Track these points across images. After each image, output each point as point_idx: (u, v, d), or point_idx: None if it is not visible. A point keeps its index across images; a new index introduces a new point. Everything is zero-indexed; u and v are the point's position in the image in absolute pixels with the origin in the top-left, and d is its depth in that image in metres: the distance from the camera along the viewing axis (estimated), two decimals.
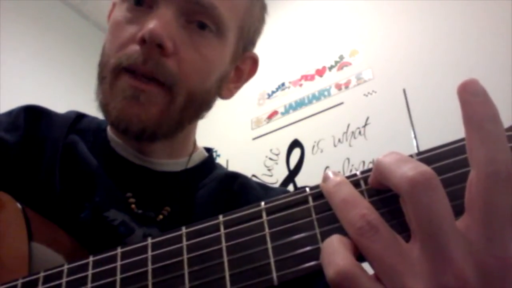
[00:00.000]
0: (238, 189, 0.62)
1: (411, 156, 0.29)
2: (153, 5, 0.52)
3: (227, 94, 0.63)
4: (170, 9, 0.51)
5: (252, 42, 0.65)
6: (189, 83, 0.53)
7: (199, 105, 0.57)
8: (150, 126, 0.52)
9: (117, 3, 0.57)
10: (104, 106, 0.53)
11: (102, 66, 0.54)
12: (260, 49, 0.67)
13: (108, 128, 0.62)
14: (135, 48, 0.51)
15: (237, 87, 0.66)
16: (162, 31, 0.49)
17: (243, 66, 0.65)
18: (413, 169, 0.25)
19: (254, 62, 0.67)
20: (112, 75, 0.52)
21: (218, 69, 0.57)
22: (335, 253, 0.26)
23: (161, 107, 0.52)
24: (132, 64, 0.50)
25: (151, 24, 0.49)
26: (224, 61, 0.58)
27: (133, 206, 0.55)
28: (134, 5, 0.53)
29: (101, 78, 0.54)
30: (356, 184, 0.29)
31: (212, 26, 0.54)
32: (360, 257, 0.26)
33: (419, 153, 0.29)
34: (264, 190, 0.64)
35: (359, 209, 0.27)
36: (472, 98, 0.26)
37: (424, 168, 0.25)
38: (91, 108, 0.62)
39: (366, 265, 0.26)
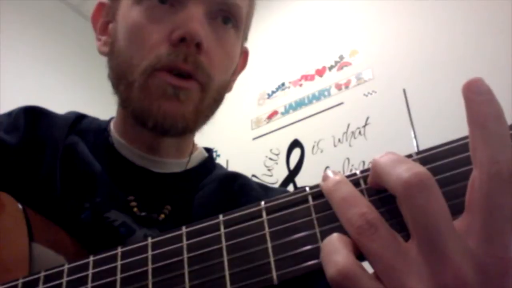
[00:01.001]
0: (238, 190, 0.62)
1: (411, 155, 0.29)
2: (176, 4, 0.52)
3: (229, 88, 0.64)
4: (199, 7, 0.52)
5: (246, 37, 0.66)
6: (218, 79, 0.54)
7: (220, 100, 0.59)
8: (191, 122, 0.53)
9: (128, 4, 0.55)
10: (143, 110, 0.52)
11: (124, 69, 0.53)
12: (260, 49, 0.68)
13: (112, 128, 0.62)
14: (167, 47, 0.50)
15: (234, 81, 0.67)
16: (202, 31, 0.50)
17: (238, 60, 0.66)
18: (407, 171, 0.25)
19: (245, 56, 0.68)
20: (144, 76, 0.51)
21: (235, 64, 0.60)
22: (336, 252, 0.26)
23: (196, 104, 0.53)
24: (174, 61, 0.50)
25: (191, 24, 0.50)
26: (238, 56, 0.61)
27: (135, 209, 0.55)
28: (158, 3, 0.53)
29: (127, 84, 0.53)
30: (356, 183, 0.29)
31: (234, 22, 0.56)
32: (360, 256, 0.26)
33: (418, 152, 0.29)
34: (264, 191, 0.64)
35: (358, 208, 0.27)
36: (476, 96, 0.25)
37: (418, 169, 0.25)
38: (91, 108, 0.62)
39: (366, 265, 0.26)
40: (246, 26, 0.63)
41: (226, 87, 0.59)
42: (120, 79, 0.54)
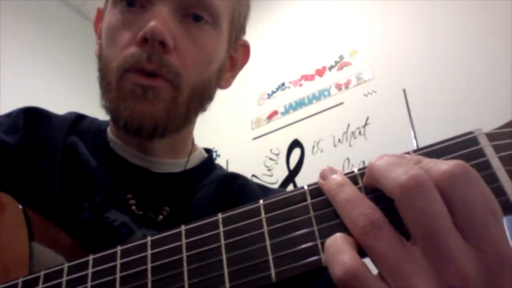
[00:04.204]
0: (238, 190, 0.61)
1: (408, 153, 0.29)
2: (146, 5, 0.53)
3: (225, 83, 0.64)
4: (165, 6, 0.52)
5: (242, 29, 0.65)
6: (192, 77, 0.54)
7: (202, 98, 0.58)
8: (161, 122, 0.52)
9: (108, 7, 0.57)
10: (114, 110, 0.53)
11: (104, 72, 0.54)
12: (260, 49, 0.68)
13: (108, 129, 0.62)
14: (136, 49, 0.51)
15: (233, 76, 0.66)
16: (162, 28, 0.50)
17: (236, 54, 0.66)
18: (403, 174, 0.25)
19: (246, 50, 0.68)
20: (116, 78, 0.52)
21: (217, 60, 0.58)
22: (341, 252, 0.26)
23: (168, 103, 0.52)
24: (138, 61, 0.50)
25: (151, 23, 0.50)
26: (221, 51, 0.59)
27: (133, 207, 0.55)
28: (126, 7, 0.54)
29: (105, 84, 0.54)
30: (354, 182, 0.29)
31: (207, 18, 0.55)
32: (360, 254, 0.26)
33: (415, 150, 0.29)
34: (263, 192, 0.64)
35: (362, 209, 0.27)
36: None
37: (414, 171, 0.25)
38: (91, 108, 0.62)
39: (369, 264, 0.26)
40: (238, 19, 0.62)
41: (209, 83, 0.58)
42: (101, 81, 0.55)
